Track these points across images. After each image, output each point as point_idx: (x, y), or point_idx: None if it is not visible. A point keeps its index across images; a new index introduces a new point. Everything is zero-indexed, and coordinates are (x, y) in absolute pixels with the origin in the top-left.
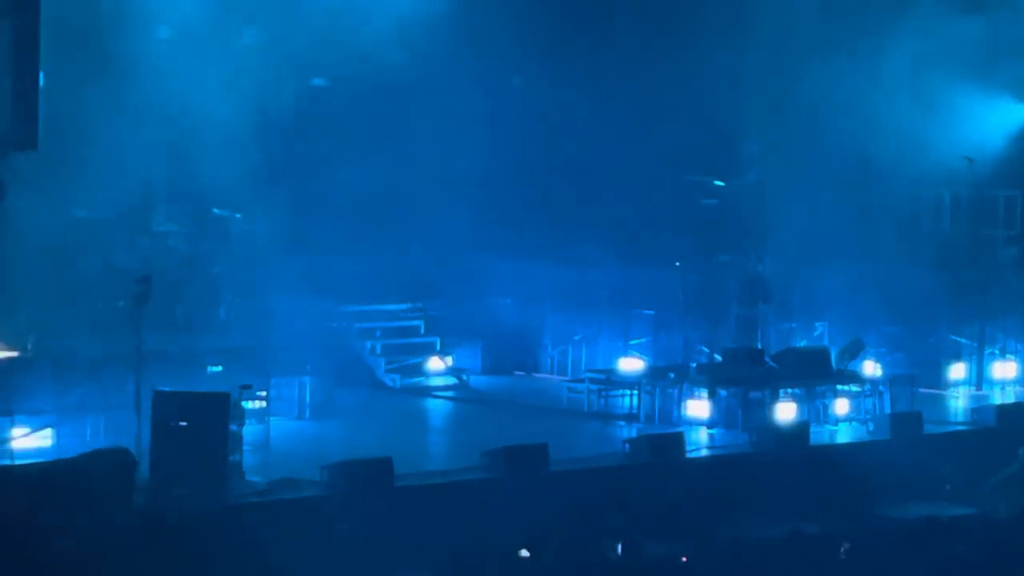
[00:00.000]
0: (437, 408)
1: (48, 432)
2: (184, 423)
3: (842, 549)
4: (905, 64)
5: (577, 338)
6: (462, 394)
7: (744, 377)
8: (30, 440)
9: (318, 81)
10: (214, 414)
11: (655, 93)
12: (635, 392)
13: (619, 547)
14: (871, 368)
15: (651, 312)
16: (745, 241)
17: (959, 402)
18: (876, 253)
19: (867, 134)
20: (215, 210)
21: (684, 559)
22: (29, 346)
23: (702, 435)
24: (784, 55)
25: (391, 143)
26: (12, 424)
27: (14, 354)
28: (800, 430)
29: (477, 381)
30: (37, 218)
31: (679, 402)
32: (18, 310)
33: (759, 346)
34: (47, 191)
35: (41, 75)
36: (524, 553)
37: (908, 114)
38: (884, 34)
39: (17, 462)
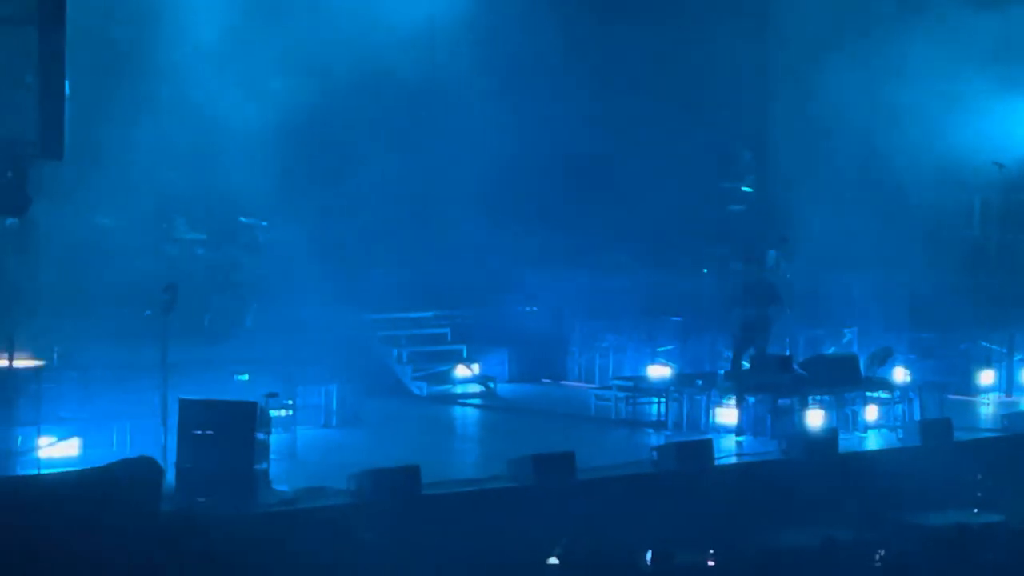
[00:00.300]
0: (464, 416)
1: (74, 441)
2: (210, 432)
3: (877, 557)
4: (934, 67)
5: (604, 345)
6: (489, 402)
7: (773, 384)
8: (56, 449)
9: None
10: (241, 423)
11: (683, 99)
12: (663, 399)
13: (648, 555)
14: (900, 375)
15: (679, 319)
16: (753, 244)
17: (989, 409)
18: (906, 259)
19: (896, 138)
20: (241, 218)
21: (711, 563)
22: (55, 355)
23: (731, 443)
24: (810, 58)
25: (417, 150)
26: (38, 433)
27: (40, 363)
28: (829, 437)
29: (504, 389)
30: (62, 227)
31: (707, 409)
32: (43, 319)
33: (768, 350)
34: (72, 199)
35: (67, 84)
36: (553, 561)
37: (938, 118)
38: (912, 36)
39: (43, 471)
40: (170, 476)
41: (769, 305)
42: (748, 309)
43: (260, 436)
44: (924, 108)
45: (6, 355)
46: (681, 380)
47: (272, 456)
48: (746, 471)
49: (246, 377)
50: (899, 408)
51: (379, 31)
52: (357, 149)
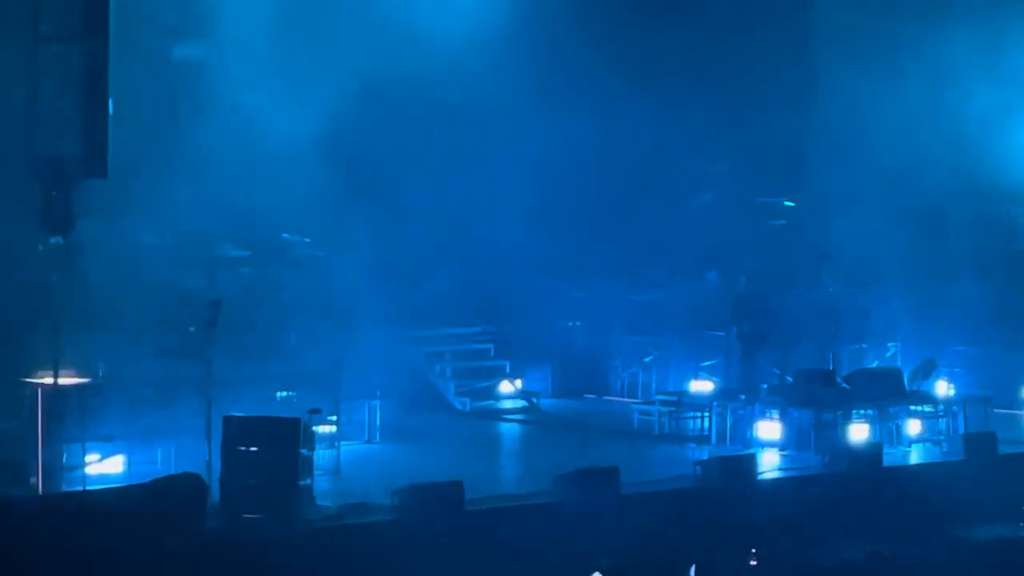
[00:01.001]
0: (507, 431)
1: (120, 458)
2: (254, 448)
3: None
4: (977, 78)
5: (647, 360)
6: (532, 417)
7: (816, 398)
8: (102, 466)
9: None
10: (284, 439)
11: (724, 112)
12: (706, 414)
13: (692, 570)
14: (944, 388)
15: (722, 334)
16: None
17: None
18: (949, 272)
19: (939, 150)
20: (284, 235)
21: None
22: (100, 373)
23: (774, 457)
24: (853, 71)
25: (460, 167)
26: (84, 450)
27: (85, 381)
28: (873, 451)
29: (547, 404)
30: (107, 245)
31: (750, 424)
32: (89, 337)
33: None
34: (116, 218)
35: (111, 102)
36: None
37: (982, 129)
38: (955, 46)
39: (89, 488)
40: (214, 492)
41: (760, 319)
42: (741, 324)
43: (304, 452)
44: (967, 119)
45: (52, 373)
46: (724, 394)
47: (316, 472)
48: (789, 485)
49: (290, 393)
50: (943, 422)
51: (421, 48)
52: (401, 166)
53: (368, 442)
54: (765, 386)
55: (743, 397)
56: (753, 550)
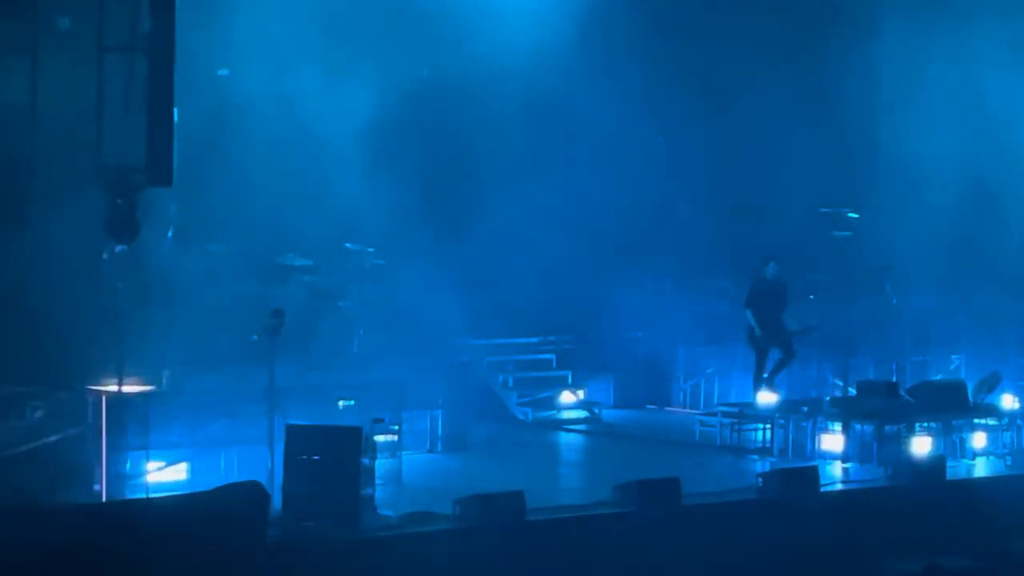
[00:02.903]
0: (569, 442)
1: (183, 466)
2: (317, 457)
3: None
4: None
5: (709, 371)
6: (594, 427)
7: (879, 411)
8: (165, 474)
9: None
10: (346, 448)
11: (788, 124)
12: (768, 426)
13: None
14: (1009, 401)
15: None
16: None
17: None
18: (1015, 283)
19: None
20: (347, 244)
21: None
22: (164, 380)
23: (836, 469)
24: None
25: (524, 178)
26: (148, 458)
27: (149, 389)
28: (936, 464)
29: (609, 415)
30: (172, 253)
31: (813, 436)
32: (153, 345)
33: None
34: (182, 226)
35: (176, 111)
36: None
37: None
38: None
39: (152, 496)
40: (277, 501)
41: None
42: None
43: (366, 461)
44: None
45: (116, 380)
46: (786, 406)
47: (378, 481)
48: (852, 498)
49: (352, 402)
50: (1007, 435)
51: (487, 52)
52: (465, 174)
53: (430, 451)
54: (828, 398)
55: (805, 409)
56: None
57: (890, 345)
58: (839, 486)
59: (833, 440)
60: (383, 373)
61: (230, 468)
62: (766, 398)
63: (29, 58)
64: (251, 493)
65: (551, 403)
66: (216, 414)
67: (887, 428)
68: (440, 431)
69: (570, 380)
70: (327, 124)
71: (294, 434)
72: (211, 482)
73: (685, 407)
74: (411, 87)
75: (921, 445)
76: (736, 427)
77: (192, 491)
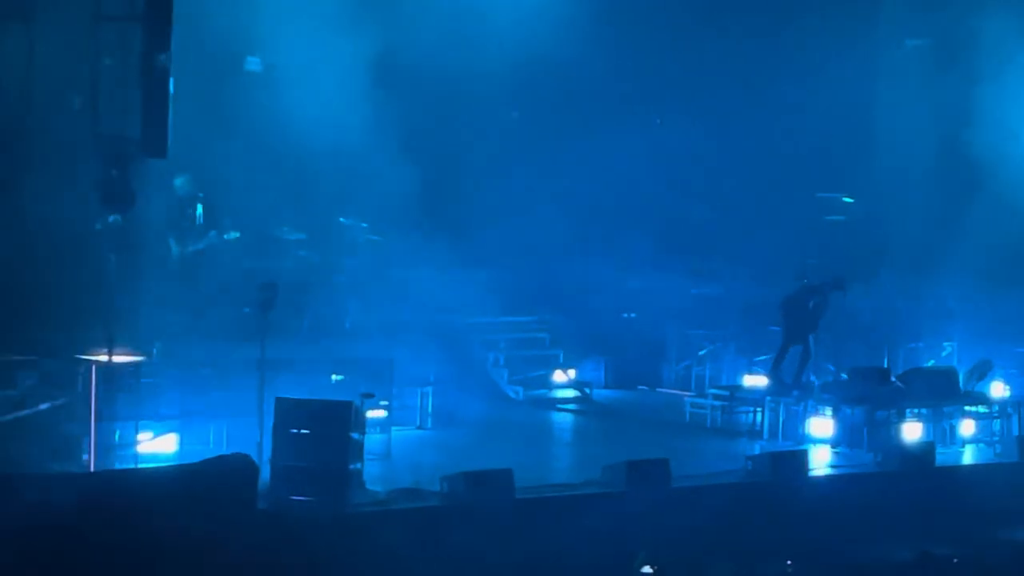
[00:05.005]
0: (559, 421)
1: (172, 437)
2: (306, 431)
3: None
4: None
5: (701, 353)
6: (585, 407)
7: (870, 396)
8: (154, 444)
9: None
10: (336, 422)
11: (785, 106)
12: (759, 409)
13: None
14: (1000, 389)
15: (778, 328)
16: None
17: None
18: (1007, 271)
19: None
20: (341, 219)
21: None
22: (155, 351)
23: (826, 454)
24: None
25: (518, 157)
26: (137, 428)
27: (140, 359)
28: (926, 451)
29: (600, 395)
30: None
31: (803, 420)
32: (145, 315)
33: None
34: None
35: (172, 82)
36: (647, 569)
37: None
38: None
39: (141, 466)
40: (265, 474)
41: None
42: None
43: (355, 436)
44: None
45: (107, 350)
46: (777, 389)
47: (366, 456)
48: (841, 483)
49: (343, 377)
50: (997, 423)
51: (486, 37)
52: (458, 154)
53: (419, 428)
54: (818, 382)
55: (796, 393)
56: (789, 561)
57: (882, 331)
58: (828, 471)
59: (823, 424)
60: (374, 349)
61: (219, 440)
62: (755, 381)
63: (25, 26)
64: (239, 465)
65: (543, 382)
66: (206, 386)
67: (878, 414)
68: (430, 408)
69: (562, 359)
70: (324, 99)
71: (284, 408)
72: (200, 454)
73: (676, 389)
74: (406, 63)
75: (911, 431)
76: (727, 410)
77: (181, 463)
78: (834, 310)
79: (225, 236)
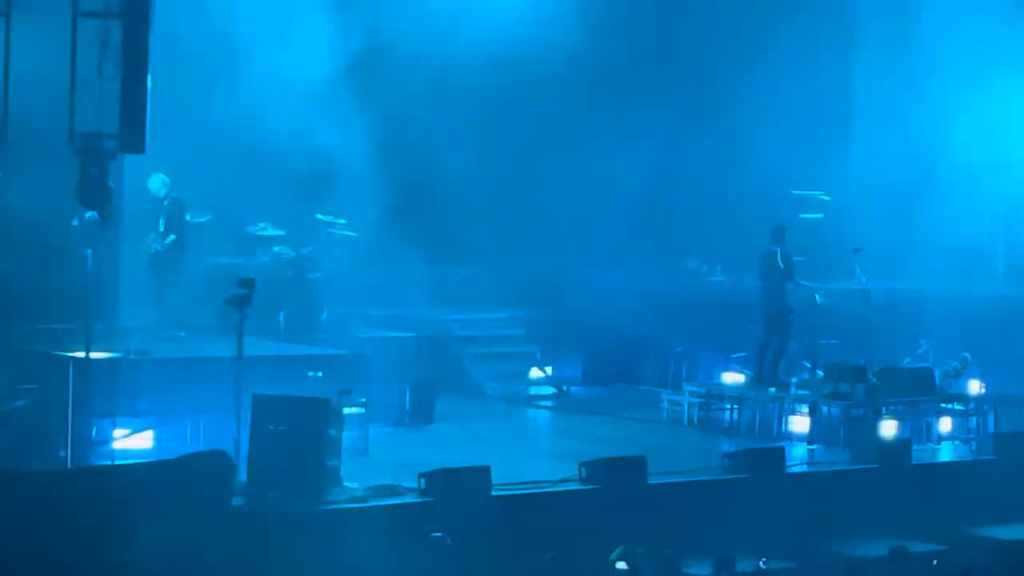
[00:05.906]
0: (537, 417)
1: (149, 434)
2: (283, 427)
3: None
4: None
5: (679, 350)
6: (562, 403)
7: (847, 393)
8: (131, 441)
9: None
10: (313, 419)
11: (763, 105)
12: (736, 406)
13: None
14: (976, 387)
15: (754, 325)
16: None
17: None
18: (984, 270)
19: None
20: (318, 215)
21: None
22: (131, 348)
23: (803, 451)
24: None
25: (496, 153)
26: (114, 425)
27: (117, 355)
28: (902, 448)
29: (577, 391)
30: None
31: (780, 417)
32: (121, 312)
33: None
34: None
35: (150, 78)
36: (621, 565)
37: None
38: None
39: (118, 463)
40: (242, 471)
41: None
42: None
43: (332, 433)
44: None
45: (84, 347)
46: (754, 386)
47: (344, 453)
48: (817, 480)
49: (320, 374)
50: (973, 420)
51: (461, 32)
52: (437, 148)
53: (397, 424)
54: (795, 380)
55: (773, 390)
56: (763, 559)
57: (858, 328)
58: (805, 467)
59: (800, 422)
60: (352, 345)
61: (196, 437)
62: (734, 378)
63: (3, 20)
64: (216, 462)
65: (520, 378)
66: (184, 383)
67: (854, 411)
68: (408, 404)
69: (539, 356)
70: (299, 92)
71: (261, 404)
72: (177, 451)
73: (654, 385)
74: (384, 57)
75: (888, 429)
76: (704, 407)
77: (158, 459)
78: (812, 309)
79: (196, 220)
